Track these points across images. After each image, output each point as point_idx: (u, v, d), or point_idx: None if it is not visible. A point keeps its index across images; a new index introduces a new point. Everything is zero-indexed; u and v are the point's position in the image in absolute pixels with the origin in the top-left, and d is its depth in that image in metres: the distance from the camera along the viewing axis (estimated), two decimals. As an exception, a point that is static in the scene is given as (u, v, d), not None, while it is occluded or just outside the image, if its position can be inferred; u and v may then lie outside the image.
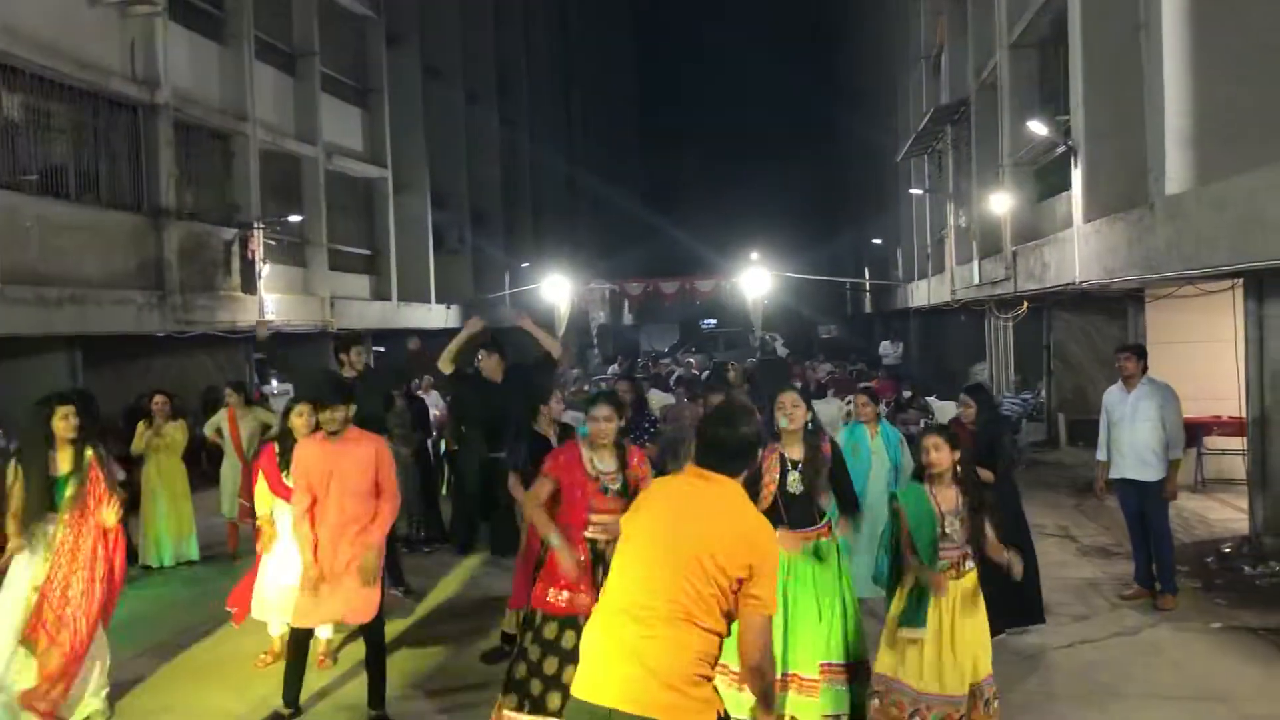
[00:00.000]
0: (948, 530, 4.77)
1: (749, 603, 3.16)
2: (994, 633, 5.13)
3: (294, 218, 18.97)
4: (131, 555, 9.80)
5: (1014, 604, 6.37)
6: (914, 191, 23.95)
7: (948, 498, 4.82)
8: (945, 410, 12.84)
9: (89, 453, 5.59)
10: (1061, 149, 11.52)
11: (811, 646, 5.08)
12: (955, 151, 20.04)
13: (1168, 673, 6.26)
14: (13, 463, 5.56)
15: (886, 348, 26.90)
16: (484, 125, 30.28)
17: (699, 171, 54.80)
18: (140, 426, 10.06)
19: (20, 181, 12.31)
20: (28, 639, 5.37)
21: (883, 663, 4.87)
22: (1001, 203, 14.81)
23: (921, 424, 10.82)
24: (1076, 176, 10.81)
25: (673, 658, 3.09)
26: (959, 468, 4.86)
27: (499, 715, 5.04)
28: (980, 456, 6.05)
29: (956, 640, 4.73)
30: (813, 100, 49.74)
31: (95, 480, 5.56)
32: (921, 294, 24.40)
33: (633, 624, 3.14)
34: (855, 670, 5.14)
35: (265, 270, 17.24)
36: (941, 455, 4.81)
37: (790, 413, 5.21)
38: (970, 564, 4.84)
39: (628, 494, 5.06)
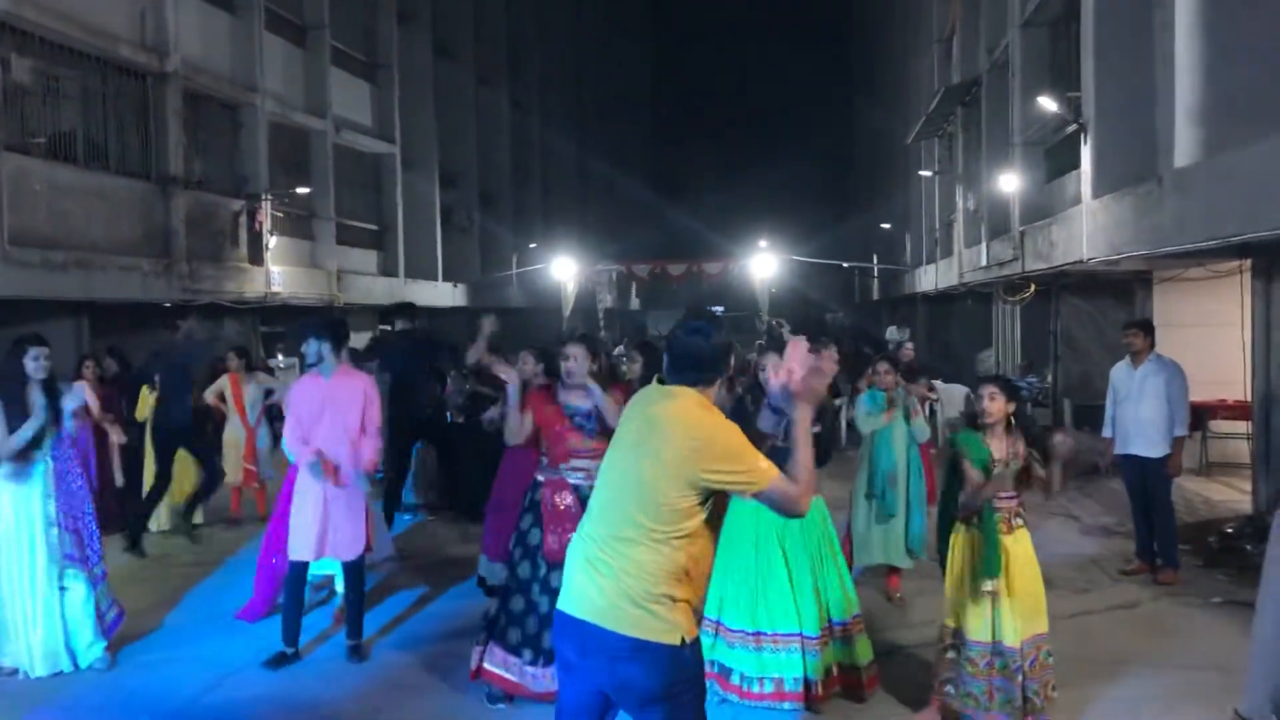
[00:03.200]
0: (1010, 467, 4.86)
1: (744, 489, 3.20)
2: None
3: (302, 190, 18.96)
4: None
5: None
6: (923, 173, 23.87)
7: (999, 447, 4.88)
8: (952, 394, 12.81)
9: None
10: (1072, 127, 11.45)
11: (806, 607, 5.15)
12: (965, 134, 19.96)
13: (1167, 643, 6.26)
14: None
15: (893, 333, 26.76)
16: (494, 106, 30.24)
17: (709, 156, 54.63)
18: (144, 391, 10.08)
19: (29, 144, 12.31)
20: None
21: (954, 617, 4.92)
22: (1010, 183, 14.75)
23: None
24: (1086, 154, 10.75)
25: (635, 578, 3.15)
26: (1013, 419, 4.91)
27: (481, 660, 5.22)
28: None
29: (1013, 594, 4.78)
30: (824, 84, 49.55)
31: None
32: (929, 278, 24.33)
33: (601, 544, 3.23)
34: (848, 628, 5.27)
35: (272, 242, 17.26)
36: (996, 404, 4.88)
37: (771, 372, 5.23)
38: (1019, 520, 4.86)
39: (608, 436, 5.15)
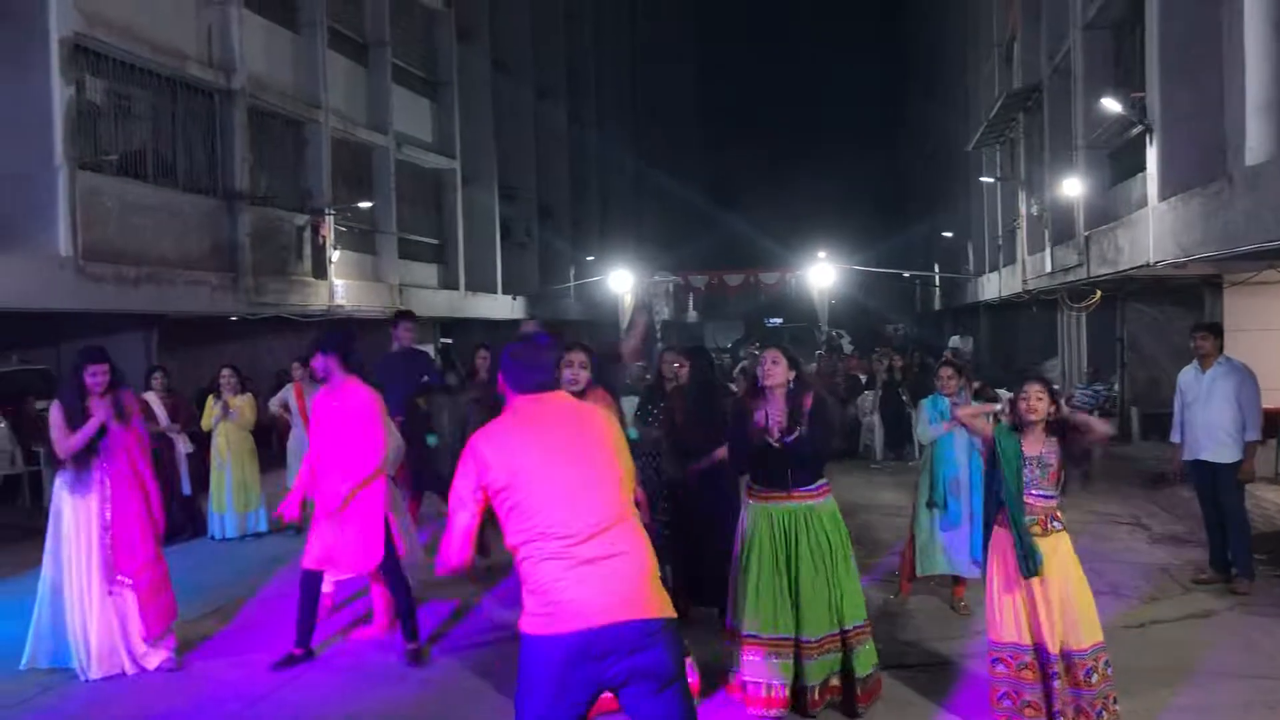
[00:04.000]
0: (1032, 473, 4.75)
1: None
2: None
3: (364, 205, 19.26)
4: (199, 527, 10.20)
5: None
6: (985, 180, 23.58)
7: (1034, 445, 4.79)
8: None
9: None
10: (1137, 129, 11.24)
11: (821, 613, 5.07)
12: (1027, 139, 19.70)
13: (1241, 654, 6.07)
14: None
15: (955, 342, 26.44)
16: (553, 120, 30.48)
17: (764, 164, 54.35)
18: (209, 401, 10.29)
19: (101, 162, 12.65)
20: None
21: (994, 625, 4.81)
22: (1074, 187, 14.52)
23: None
24: (1152, 155, 10.55)
25: (646, 557, 3.33)
26: (1049, 420, 4.83)
27: None
28: None
29: (1051, 598, 4.67)
30: (882, 91, 49.23)
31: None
32: (992, 287, 24.02)
33: (595, 542, 3.27)
34: (859, 633, 5.15)
35: (336, 256, 17.54)
36: (1040, 404, 4.80)
37: (769, 370, 5.23)
38: (1058, 524, 4.76)
39: None
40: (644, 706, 3.28)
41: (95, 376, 5.94)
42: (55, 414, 5.94)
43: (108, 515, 5.91)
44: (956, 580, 7.09)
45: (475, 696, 5.53)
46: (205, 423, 10.08)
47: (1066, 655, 4.67)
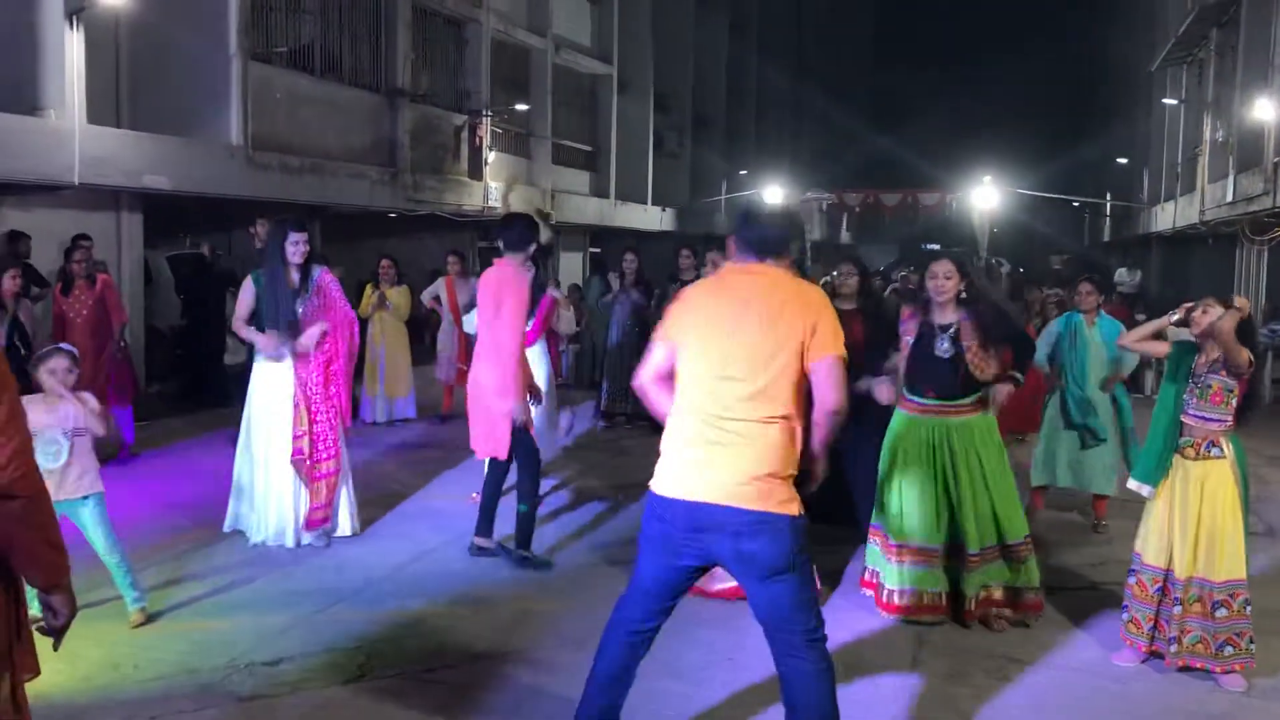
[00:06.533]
0: (1191, 393, 4.56)
1: (818, 353, 3.28)
2: None
3: (521, 107, 19.39)
4: (353, 409, 10.64)
5: None
6: (1168, 101, 22.13)
7: (1200, 362, 4.60)
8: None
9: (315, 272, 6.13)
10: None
11: (983, 525, 5.03)
12: (1219, 59, 18.33)
13: None
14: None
15: (1123, 274, 25.13)
16: (712, 29, 29.90)
17: (928, 80, 51.99)
18: (366, 290, 10.64)
19: (272, 54, 13.06)
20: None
21: (1140, 539, 4.73)
22: (1267, 110, 13.49)
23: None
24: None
25: (758, 457, 3.25)
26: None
27: None
28: None
29: (1188, 524, 4.50)
30: (1056, 4, 46.47)
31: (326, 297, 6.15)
32: (1166, 217, 22.68)
33: (714, 425, 3.29)
34: (1022, 547, 5.09)
35: (491, 157, 17.78)
36: (1207, 315, 4.57)
37: (941, 284, 5.08)
38: (1216, 450, 4.52)
39: None
40: (751, 590, 3.36)
41: (296, 245, 5.96)
42: (245, 291, 6.05)
43: (297, 394, 6.01)
44: (1098, 497, 6.94)
45: (601, 584, 5.64)
46: (363, 310, 10.44)
47: (1199, 584, 4.49)
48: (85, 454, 4.76)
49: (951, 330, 5.07)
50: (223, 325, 10.16)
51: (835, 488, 6.27)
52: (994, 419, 5.17)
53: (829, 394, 3.28)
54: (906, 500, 5.08)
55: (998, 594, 5.07)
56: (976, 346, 5.03)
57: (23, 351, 6.61)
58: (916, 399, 5.15)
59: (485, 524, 6.04)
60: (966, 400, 5.09)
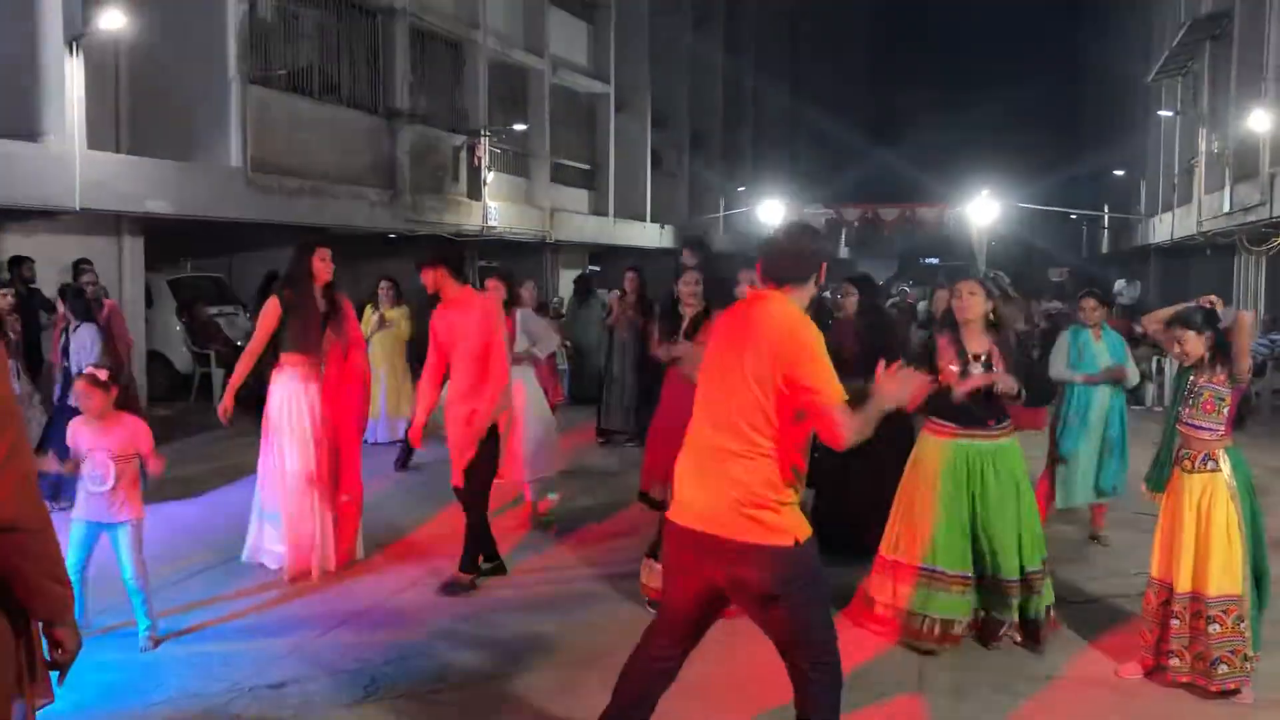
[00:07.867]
0: (1185, 401, 4.55)
1: (810, 400, 3.19)
2: None
3: (519, 127, 19.47)
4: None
5: None
6: (1163, 113, 22.21)
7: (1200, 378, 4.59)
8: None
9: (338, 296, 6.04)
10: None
11: (1010, 553, 4.93)
12: (1213, 71, 18.43)
13: None
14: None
15: (1121, 286, 25.12)
16: (708, 49, 30.05)
17: (924, 96, 52.34)
18: (366, 310, 10.63)
19: (270, 78, 13.13)
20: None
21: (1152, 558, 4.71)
22: (1261, 121, 13.56)
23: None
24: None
25: (741, 488, 3.23)
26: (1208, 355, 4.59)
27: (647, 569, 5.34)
28: None
29: (1185, 539, 4.49)
30: (1048, 18, 46.69)
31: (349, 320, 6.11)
32: (1164, 228, 22.76)
33: (708, 455, 3.33)
34: (1038, 576, 4.99)
35: (490, 177, 17.84)
36: (1192, 345, 4.56)
37: (966, 301, 4.98)
38: (1212, 464, 4.50)
39: None
40: (751, 614, 3.38)
41: (325, 261, 5.87)
42: (270, 305, 5.88)
43: (320, 414, 5.88)
44: (1094, 507, 6.94)
45: (596, 598, 5.64)
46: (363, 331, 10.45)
47: (1193, 599, 4.47)
48: (130, 479, 4.77)
49: (984, 359, 4.97)
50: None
51: (840, 509, 6.28)
52: (1018, 444, 5.12)
53: (832, 436, 3.21)
54: (936, 526, 4.98)
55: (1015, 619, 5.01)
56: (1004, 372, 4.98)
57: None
58: (949, 424, 5.04)
59: (485, 548, 6.04)
60: (1000, 426, 5.03)
